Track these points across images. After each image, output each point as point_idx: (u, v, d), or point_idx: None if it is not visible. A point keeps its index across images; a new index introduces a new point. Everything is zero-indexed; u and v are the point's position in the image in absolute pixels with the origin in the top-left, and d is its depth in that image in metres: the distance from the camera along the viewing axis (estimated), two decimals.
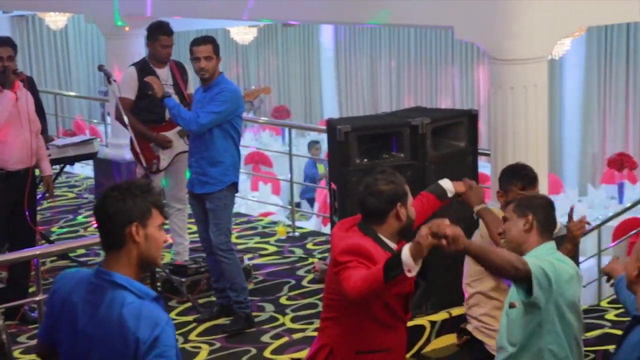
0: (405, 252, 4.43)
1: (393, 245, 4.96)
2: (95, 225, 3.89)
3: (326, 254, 9.25)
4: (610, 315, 8.93)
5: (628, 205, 10.78)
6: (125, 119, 8.26)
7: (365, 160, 7.69)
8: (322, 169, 14.04)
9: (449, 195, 5.77)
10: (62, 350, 3.91)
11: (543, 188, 8.28)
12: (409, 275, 4.45)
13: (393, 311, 5.09)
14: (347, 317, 5.03)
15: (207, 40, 7.79)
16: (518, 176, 6.23)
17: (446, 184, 5.81)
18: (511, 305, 5.12)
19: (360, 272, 4.71)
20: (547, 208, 5.29)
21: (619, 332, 8.46)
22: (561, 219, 9.58)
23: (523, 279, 4.82)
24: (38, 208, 9.14)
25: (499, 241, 5.46)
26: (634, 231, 10.60)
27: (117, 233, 3.74)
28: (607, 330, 8.56)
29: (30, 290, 7.96)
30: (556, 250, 5.18)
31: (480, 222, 6.12)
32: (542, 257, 4.97)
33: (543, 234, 5.17)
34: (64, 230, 10.86)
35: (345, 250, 4.89)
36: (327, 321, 5.19)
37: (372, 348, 5.10)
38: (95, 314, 3.74)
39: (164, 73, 8.55)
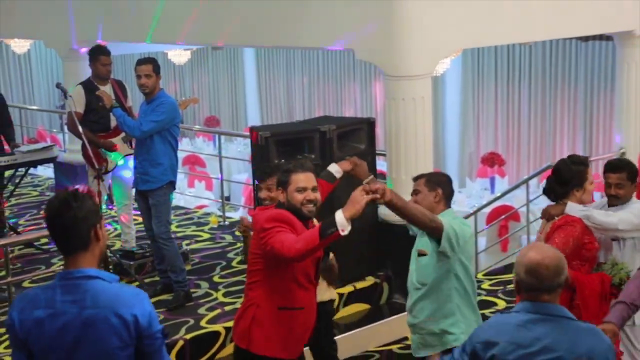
0: (339, 214, 4.54)
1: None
2: (52, 233, 3.64)
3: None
4: (485, 285, 9.02)
5: (498, 195, 10.88)
6: (79, 127, 8.16)
7: (282, 160, 7.66)
8: None
9: (338, 176, 5.75)
10: (40, 356, 3.62)
11: None
12: (342, 233, 4.54)
13: (307, 275, 5.12)
14: (269, 279, 5.04)
15: (148, 60, 7.80)
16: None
17: (333, 167, 5.79)
18: (421, 253, 5.28)
19: (291, 236, 4.77)
20: (449, 183, 5.54)
21: (492, 299, 8.57)
22: None
23: (436, 232, 5.07)
24: (7, 205, 8.98)
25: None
26: (503, 216, 10.71)
27: (83, 235, 3.57)
28: (483, 297, 8.64)
29: (0, 274, 7.82)
30: (456, 215, 5.43)
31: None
32: (450, 220, 5.20)
33: (446, 204, 5.44)
34: (29, 223, 10.75)
35: (270, 218, 4.90)
36: (252, 284, 5.17)
37: (291, 305, 5.10)
38: (83, 307, 3.54)
39: (107, 89, 8.46)
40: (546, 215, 5.76)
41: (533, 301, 3.77)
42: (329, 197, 5.76)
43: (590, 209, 5.63)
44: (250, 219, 6.02)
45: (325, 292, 6.15)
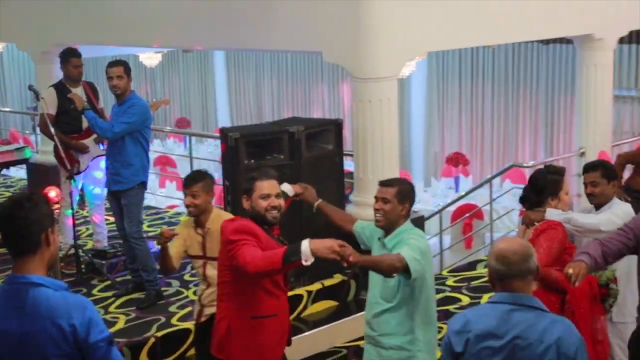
0: (306, 244, 4.49)
1: (266, 227, 5.02)
2: (3, 234, 3.54)
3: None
4: (450, 282, 9.05)
5: (462, 193, 10.93)
6: (52, 129, 8.12)
7: (252, 161, 7.67)
8: None
9: (290, 194, 5.75)
10: None
11: None
12: (305, 264, 4.50)
13: (277, 283, 5.08)
14: (239, 290, 5.00)
15: (119, 63, 7.78)
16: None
17: (285, 187, 5.69)
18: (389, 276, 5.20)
19: (256, 251, 4.73)
20: (414, 194, 5.44)
21: (456, 295, 8.58)
22: None
23: (404, 269, 4.95)
24: None
25: (349, 227, 5.68)
26: (467, 214, 10.74)
27: (34, 238, 3.48)
28: (447, 293, 8.67)
29: None
30: (412, 227, 5.31)
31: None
32: (409, 238, 5.12)
33: (408, 216, 5.34)
34: None
35: (236, 230, 4.87)
36: (223, 296, 5.14)
37: (263, 314, 5.06)
38: (22, 314, 3.44)
39: (79, 91, 8.43)
40: (527, 220, 5.72)
41: (508, 291, 3.83)
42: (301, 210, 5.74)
43: (570, 212, 5.66)
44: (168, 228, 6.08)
45: None
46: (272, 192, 5.01)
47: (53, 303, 3.46)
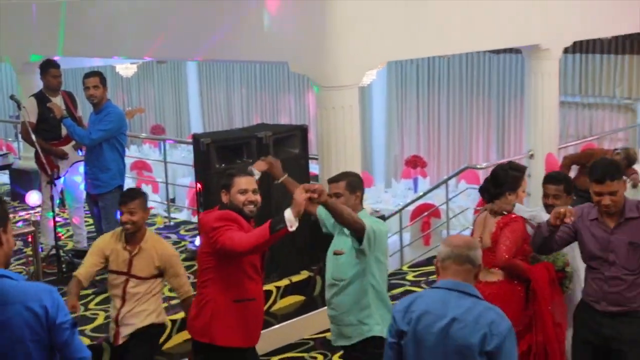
0: (288, 211, 4.65)
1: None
2: None
3: (194, 238, 9.13)
4: (410, 277, 9.07)
5: (420, 194, 10.97)
6: (33, 136, 8.08)
7: (223, 165, 7.67)
8: None
9: (257, 177, 5.57)
10: None
11: None
12: (291, 229, 4.65)
13: (254, 266, 5.14)
14: (221, 275, 5.05)
15: (95, 73, 7.79)
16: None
17: (250, 170, 5.64)
18: (337, 253, 5.24)
19: (240, 233, 4.85)
20: (363, 184, 5.56)
21: (416, 289, 8.62)
22: (372, 205, 9.68)
23: (359, 231, 5.07)
24: None
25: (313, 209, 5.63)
26: (425, 213, 10.79)
27: None
28: (407, 287, 8.70)
29: None
30: (368, 214, 5.43)
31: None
32: (369, 221, 5.20)
33: (361, 204, 5.46)
34: None
35: (218, 218, 4.96)
36: (205, 282, 5.17)
37: (244, 297, 5.12)
38: None
39: (58, 100, 8.40)
40: (495, 208, 5.69)
41: (450, 279, 3.98)
42: (270, 197, 5.76)
43: (537, 209, 5.72)
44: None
45: None
46: (249, 187, 5.10)
47: (21, 289, 3.45)
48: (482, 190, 5.83)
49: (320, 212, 5.61)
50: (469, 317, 3.88)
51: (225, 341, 5.12)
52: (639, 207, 5.03)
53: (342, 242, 5.34)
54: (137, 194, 5.79)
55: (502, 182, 5.65)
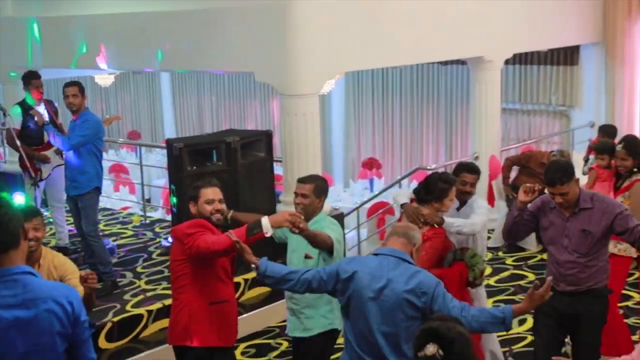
0: (266, 219, 4.70)
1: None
2: None
3: (168, 235, 9.08)
4: None
5: (376, 193, 10.98)
6: (17, 142, 8.00)
7: (195, 167, 7.64)
8: None
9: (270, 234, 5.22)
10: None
11: None
12: (266, 235, 4.71)
13: (226, 270, 5.10)
14: (196, 280, 4.97)
15: (74, 83, 7.75)
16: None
17: (265, 225, 4.89)
18: (307, 256, 5.22)
19: (214, 235, 4.82)
20: (328, 189, 5.53)
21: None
22: (332, 204, 9.65)
23: (329, 247, 5.09)
24: None
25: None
26: (380, 210, 10.78)
27: (15, 234, 3.32)
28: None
29: None
30: (326, 215, 5.43)
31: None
32: (327, 226, 5.21)
33: (321, 208, 5.42)
34: None
35: (191, 225, 4.92)
36: (180, 288, 5.07)
37: (218, 299, 5.06)
38: (25, 300, 3.28)
39: (41, 109, 8.34)
40: (425, 219, 5.56)
41: (388, 247, 4.30)
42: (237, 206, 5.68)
43: (460, 223, 5.68)
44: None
45: None
46: (215, 197, 5.05)
47: (50, 286, 3.38)
48: (415, 192, 5.77)
49: None
50: (401, 279, 4.13)
51: (203, 342, 5.04)
52: (593, 199, 5.14)
53: (306, 247, 5.20)
54: (38, 211, 4.93)
55: (431, 192, 5.58)
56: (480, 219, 5.78)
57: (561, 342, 5.45)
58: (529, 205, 5.30)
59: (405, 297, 4.10)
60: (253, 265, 4.55)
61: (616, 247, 6.29)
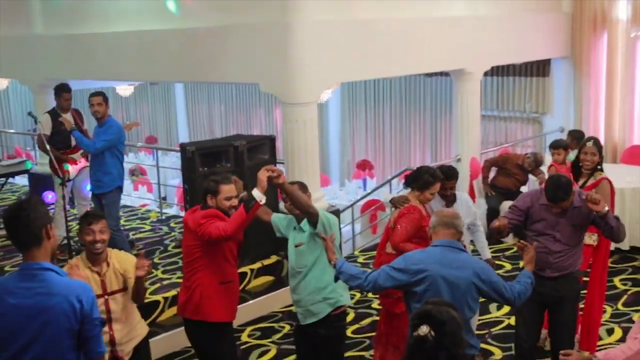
0: (255, 190, 4.71)
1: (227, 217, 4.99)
2: (9, 231, 3.41)
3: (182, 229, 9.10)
4: (360, 259, 9.09)
5: (369, 191, 10.99)
6: (47, 146, 8.00)
7: (206, 168, 7.64)
8: None
9: (264, 200, 5.12)
10: (10, 332, 3.32)
11: (316, 183, 8.35)
12: (261, 203, 4.71)
13: (233, 253, 5.12)
14: (208, 262, 4.99)
15: (98, 93, 7.76)
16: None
17: (257, 193, 4.82)
18: (298, 245, 5.13)
19: (223, 222, 4.84)
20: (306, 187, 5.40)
21: (366, 269, 8.61)
22: (329, 201, 9.66)
23: (313, 216, 5.02)
24: None
25: (267, 218, 5.47)
26: (372, 207, 10.80)
27: (38, 233, 3.35)
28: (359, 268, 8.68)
29: None
30: (324, 211, 5.29)
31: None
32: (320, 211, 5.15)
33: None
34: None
35: (205, 215, 4.92)
36: (193, 269, 5.08)
37: (227, 279, 5.10)
38: (38, 294, 3.31)
39: (69, 116, 8.35)
40: (394, 202, 5.74)
41: (442, 239, 4.30)
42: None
43: (479, 223, 6.10)
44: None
45: None
46: (232, 194, 5.06)
47: (64, 284, 3.37)
48: (406, 177, 5.79)
49: (274, 218, 5.46)
50: (468, 264, 4.22)
51: (214, 317, 5.09)
52: (581, 197, 5.13)
53: (299, 237, 5.20)
54: (101, 215, 4.79)
55: (416, 180, 5.59)
56: (476, 211, 6.14)
57: (541, 323, 5.48)
58: (519, 203, 5.29)
59: (473, 282, 4.18)
60: (332, 263, 4.57)
61: (591, 238, 6.22)
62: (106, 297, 4.61)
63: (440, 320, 2.84)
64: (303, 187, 5.32)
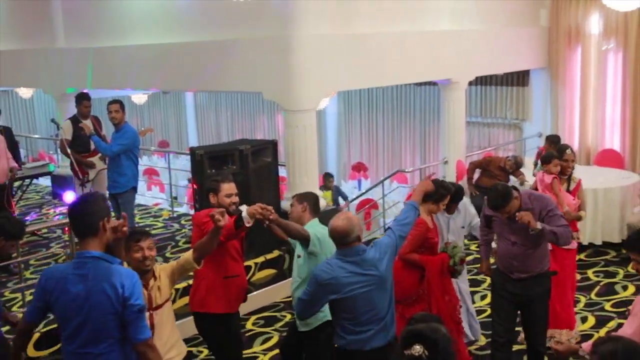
0: (244, 212, 4.48)
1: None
2: (71, 221, 3.53)
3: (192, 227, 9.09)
4: None
5: (363, 191, 10.98)
6: (68, 150, 8.00)
7: (213, 170, 7.61)
8: (328, 195, 11.01)
9: (250, 225, 4.93)
10: (60, 315, 3.47)
11: (315, 183, 8.33)
12: (248, 225, 4.50)
13: (237, 250, 5.07)
14: (213, 257, 4.86)
15: (116, 101, 7.74)
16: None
17: (244, 214, 4.66)
18: (298, 256, 5.08)
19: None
20: (315, 200, 5.23)
21: None
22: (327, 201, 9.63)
23: (305, 239, 4.87)
24: (17, 205, 8.75)
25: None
26: (367, 206, 10.79)
27: (94, 224, 3.40)
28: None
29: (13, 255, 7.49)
30: (319, 223, 5.10)
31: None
32: (313, 228, 4.96)
33: (312, 214, 5.14)
34: (33, 218, 10.32)
35: (206, 215, 4.70)
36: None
37: (231, 274, 5.04)
38: (86, 280, 3.37)
39: (88, 122, 8.31)
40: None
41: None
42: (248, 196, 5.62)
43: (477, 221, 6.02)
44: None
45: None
46: (232, 192, 5.00)
47: (110, 271, 3.39)
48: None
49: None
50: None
51: (217, 309, 5.05)
52: (531, 198, 5.07)
53: (299, 249, 5.12)
54: (149, 233, 4.48)
55: (431, 195, 5.33)
56: (474, 212, 6.20)
57: (515, 316, 5.40)
58: (485, 210, 5.29)
59: None
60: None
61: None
62: (151, 312, 4.26)
63: (433, 339, 2.73)
64: (301, 197, 5.16)
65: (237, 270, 5.12)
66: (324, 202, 5.91)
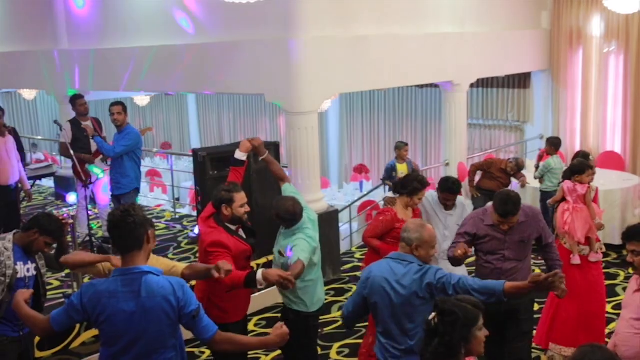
0: (260, 275, 4.27)
1: (234, 227, 4.73)
2: (113, 236, 3.35)
3: (194, 227, 9.06)
4: (357, 255, 9.05)
5: (365, 193, 10.98)
6: (71, 151, 7.99)
7: (215, 172, 7.63)
8: (404, 168, 9.83)
9: (244, 159, 5.17)
10: (109, 332, 3.33)
11: (317, 185, 8.33)
12: (260, 287, 4.34)
13: (242, 264, 4.83)
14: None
15: (118, 103, 7.75)
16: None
17: (238, 154, 5.13)
18: (281, 253, 4.99)
19: (227, 257, 4.47)
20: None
21: (362, 265, 8.57)
22: (329, 202, 9.63)
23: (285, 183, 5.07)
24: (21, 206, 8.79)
25: (280, 183, 5.26)
26: (368, 207, 10.80)
27: (140, 237, 3.30)
28: (355, 263, 8.68)
29: None
30: (308, 221, 5.02)
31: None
32: (303, 234, 4.86)
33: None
34: None
35: (212, 244, 4.59)
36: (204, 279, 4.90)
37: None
38: (139, 297, 3.28)
39: (89, 124, 8.29)
40: (386, 201, 5.81)
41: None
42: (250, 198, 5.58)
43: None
44: None
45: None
46: (245, 200, 4.80)
47: (161, 285, 3.31)
48: (394, 184, 5.82)
49: (284, 188, 5.28)
50: (407, 276, 3.92)
51: (222, 320, 4.88)
52: (526, 212, 4.92)
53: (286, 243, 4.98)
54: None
55: (405, 186, 5.59)
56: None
57: (503, 331, 5.07)
58: (467, 228, 4.96)
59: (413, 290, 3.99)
60: None
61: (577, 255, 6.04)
62: None
63: (445, 310, 3.00)
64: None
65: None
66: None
